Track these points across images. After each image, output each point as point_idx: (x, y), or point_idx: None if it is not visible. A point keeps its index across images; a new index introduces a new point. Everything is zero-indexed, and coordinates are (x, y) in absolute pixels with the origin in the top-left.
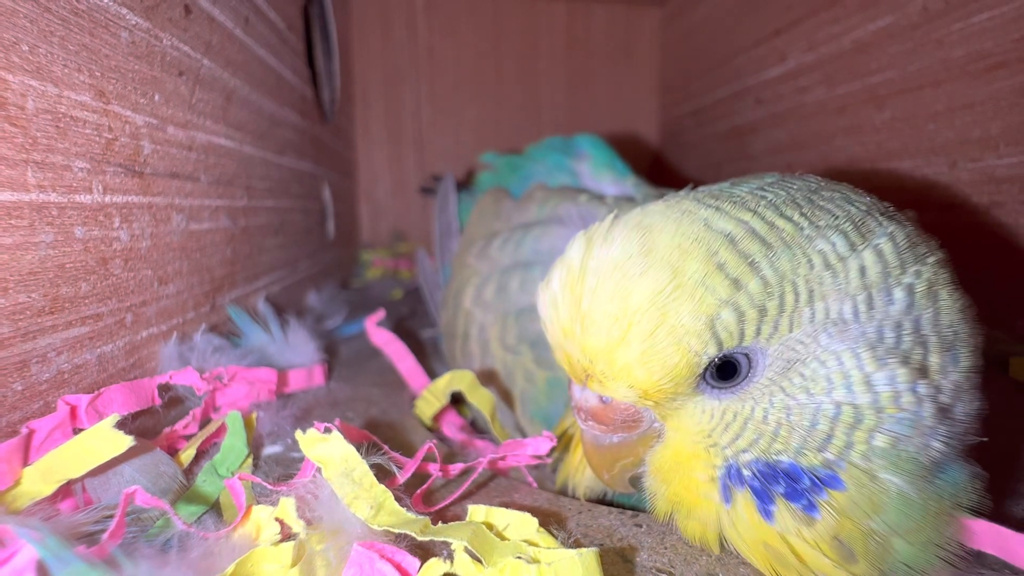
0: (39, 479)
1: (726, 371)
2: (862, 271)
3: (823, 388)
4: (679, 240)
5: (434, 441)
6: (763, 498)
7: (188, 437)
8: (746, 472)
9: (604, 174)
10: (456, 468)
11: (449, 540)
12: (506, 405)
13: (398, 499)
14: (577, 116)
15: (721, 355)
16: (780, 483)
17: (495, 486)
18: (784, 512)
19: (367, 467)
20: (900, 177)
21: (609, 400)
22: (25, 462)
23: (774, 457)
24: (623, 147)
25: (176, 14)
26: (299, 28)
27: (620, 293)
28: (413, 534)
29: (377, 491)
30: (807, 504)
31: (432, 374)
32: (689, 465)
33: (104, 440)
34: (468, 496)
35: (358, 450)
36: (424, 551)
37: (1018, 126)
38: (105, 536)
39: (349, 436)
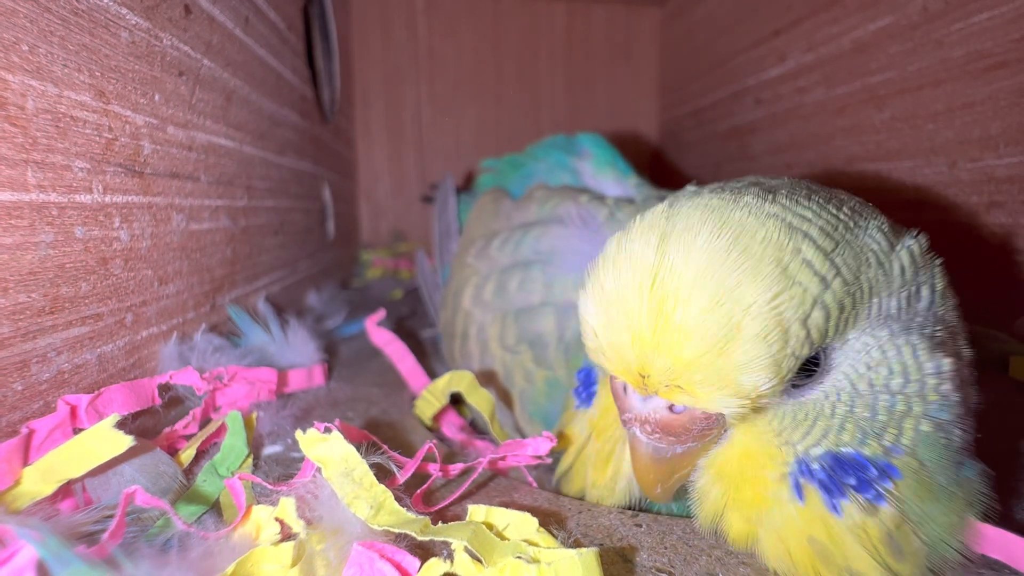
0: (39, 479)
1: (806, 370)
2: (902, 270)
3: (883, 378)
4: (772, 235)
5: (434, 441)
6: (833, 492)
7: (188, 437)
8: (815, 466)
9: (606, 173)
10: (456, 468)
11: (449, 540)
12: (505, 406)
13: (398, 499)
14: (577, 116)
15: (814, 351)
16: (850, 475)
17: (495, 486)
18: (853, 504)
19: (367, 467)
20: (900, 177)
21: (683, 410)
22: (25, 462)
23: (841, 449)
24: (623, 147)
25: (176, 14)
26: (299, 28)
27: (726, 295)
28: (413, 534)
29: (377, 491)
30: (875, 495)
31: (432, 374)
32: (758, 464)
33: (104, 440)
34: (468, 496)
35: (358, 450)
36: (424, 551)
37: (1018, 126)
38: (105, 536)
39: (349, 436)
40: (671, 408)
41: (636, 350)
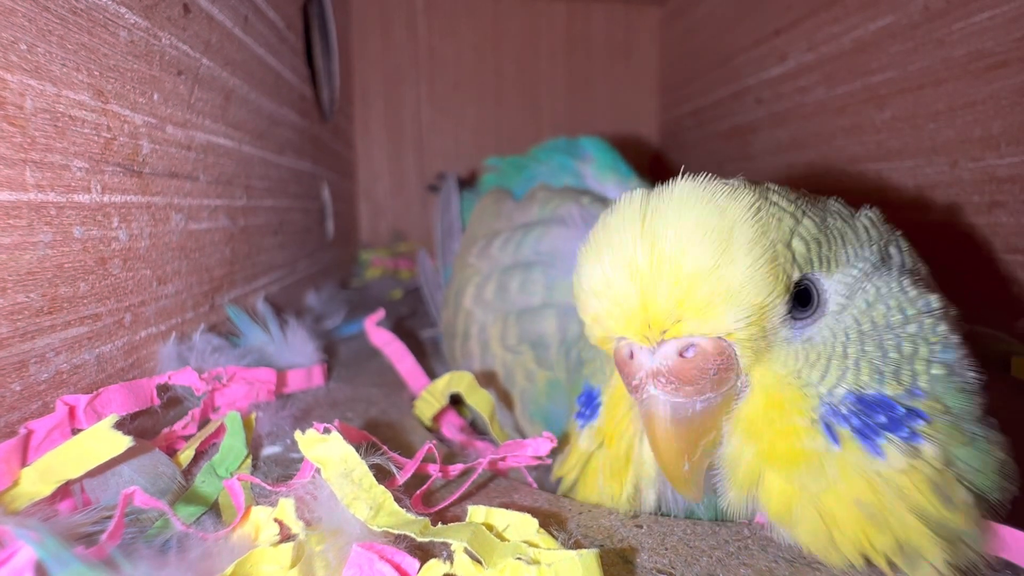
0: (37, 480)
1: (802, 300)
2: (866, 229)
3: (883, 315)
4: (743, 186)
5: (433, 442)
6: (868, 433)
7: (187, 438)
8: (843, 409)
9: (607, 176)
10: (456, 469)
11: (449, 541)
12: (505, 406)
13: (397, 499)
14: (577, 116)
15: (801, 277)
16: (878, 413)
17: (495, 487)
18: (892, 445)
19: (366, 468)
20: (901, 177)
21: (694, 352)
22: (23, 462)
23: (863, 390)
24: (623, 147)
25: (175, 13)
26: (298, 27)
27: (712, 215)
28: (412, 535)
29: (376, 492)
30: (909, 433)
31: (432, 374)
32: (785, 411)
33: (102, 441)
34: (468, 497)
35: (357, 451)
36: (424, 552)
37: (1019, 125)
38: (104, 537)
39: (348, 436)
40: (682, 354)
41: (637, 287)
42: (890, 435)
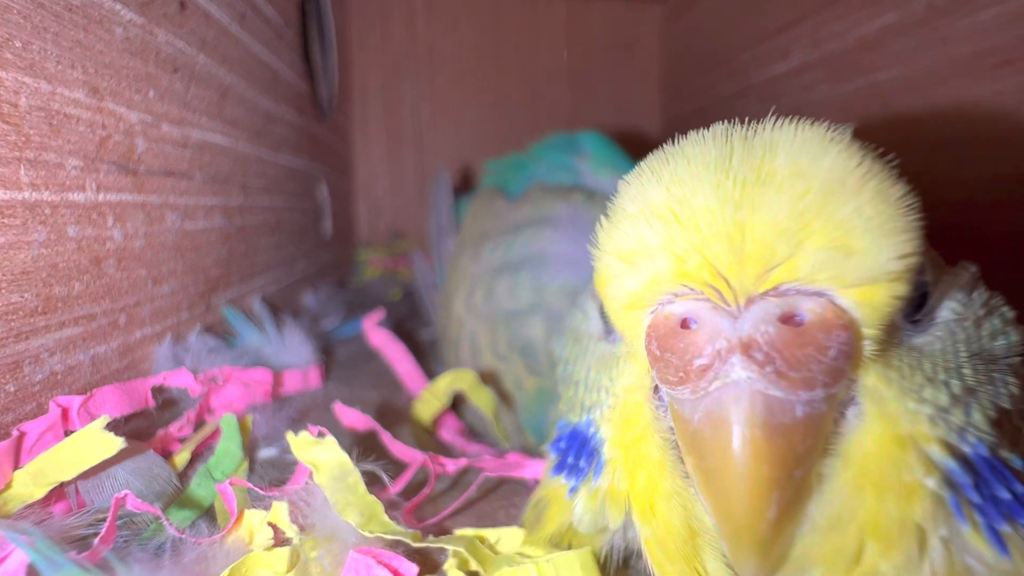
0: (30, 482)
1: (915, 301)
2: None
3: (989, 336)
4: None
5: (429, 454)
6: (990, 514)
7: (182, 440)
8: (971, 468)
9: (604, 172)
10: (454, 467)
11: (446, 546)
12: (507, 406)
13: (394, 506)
14: (578, 113)
15: (920, 262)
16: (1000, 487)
17: (495, 492)
18: (1017, 539)
19: (359, 475)
20: (905, 176)
21: (809, 317)
22: (16, 464)
23: (983, 440)
24: (625, 144)
25: (171, 10)
26: (296, 24)
27: (840, 148)
28: (408, 540)
29: (368, 501)
30: None
31: (431, 376)
32: (908, 453)
33: (95, 442)
34: (468, 506)
35: (351, 454)
36: (422, 556)
37: None
38: (97, 540)
39: (352, 421)
40: (788, 318)
41: (728, 195)
42: (1017, 523)
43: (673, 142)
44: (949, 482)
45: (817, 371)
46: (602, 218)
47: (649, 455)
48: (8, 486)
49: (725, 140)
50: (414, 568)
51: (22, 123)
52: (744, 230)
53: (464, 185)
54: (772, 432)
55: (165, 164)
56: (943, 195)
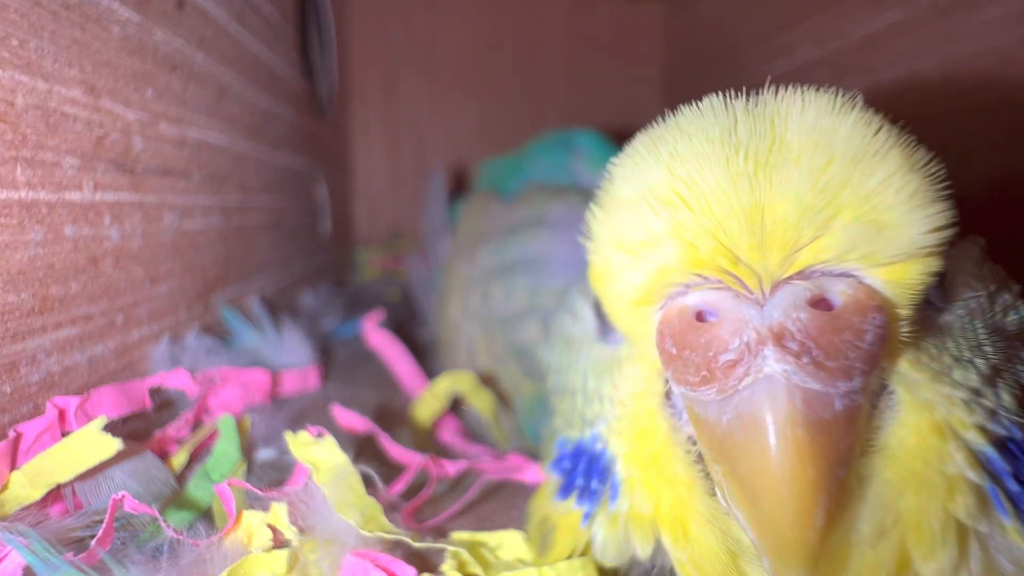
0: (27, 483)
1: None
2: None
3: (1002, 310)
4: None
5: (429, 456)
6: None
7: (180, 441)
8: (1008, 463)
9: (601, 173)
10: (453, 469)
11: (445, 547)
12: (506, 408)
13: (393, 508)
14: (579, 111)
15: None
16: None
17: (495, 494)
18: None
19: (359, 476)
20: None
21: (842, 300)
22: (13, 466)
23: (1016, 425)
24: (625, 142)
25: (169, 8)
26: (295, 21)
27: (856, 117)
28: (409, 540)
29: (367, 502)
30: None
31: (431, 377)
32: (947, 444)
33: (93, 444)
34: (468, 508)
35: (349, 456)
36: (421, 559)
37: None
38: (94, 542)
39: (351, 423)
40: (818, 302)
41: (735, 191)
42: None
43: (663, 119)
44: (989, 471)
45: (855, 358)
46: (593, 207)
47: (673, 472)
48: (5, 488)
49: (727, 112)
50: (412, 571)
51: (19, 122)
52: (763, 210)
53: (460, 186)
54: (814, 430)
55: (163, 163)
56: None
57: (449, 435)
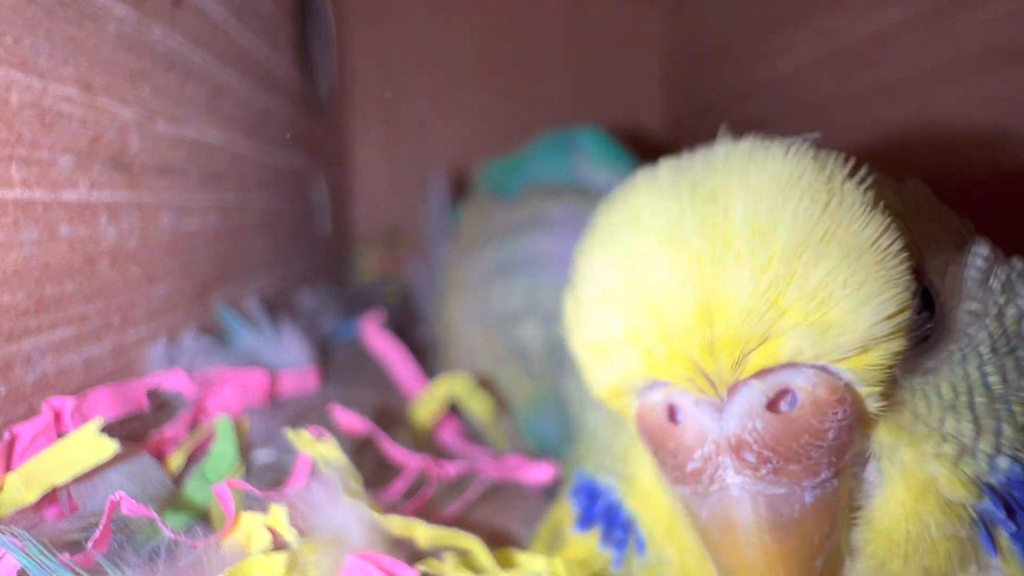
0: (22, 485)
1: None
2: (929, 202)
3: (1015, 320)
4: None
5: (428, 457)
6: None
7: (177, 442)
8: (1006, 497)
9: (602, 170)
10: (453, 470)
11: (451, 547)
12: (506, 411)
13: (393, 509)
14: (580, 108)
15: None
16: None
17: (495, 495)
18: None
19: (358, 476)
20: (913, 173)
21: (800, 400)
22: (8, 468)
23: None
24: (627, 141)
25: (166, 5)
26: (294, 19)
27: (801, 165)
28: (415, 537)
29: (367, 503)
30: None
31: (431, 378)
32: (940, 507)
33: (89, 445)
34: (467, 510)
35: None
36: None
37: None
38: (90, 544)
39: (350, 424)
40: (773, 407)
41: (690, 278)
42: None
43: (625, 193)
44: (982, 518)
45: (818, 457)
46: (566, 297)
47: (688, 543)
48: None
49: (675, 196)
50: (414, 573)
51: (13, 120)
52: (710, 313)
53: (460, 186)
54: (782, 532)
55: (160, 162)
56: (949, 192)
57: (449, 436)
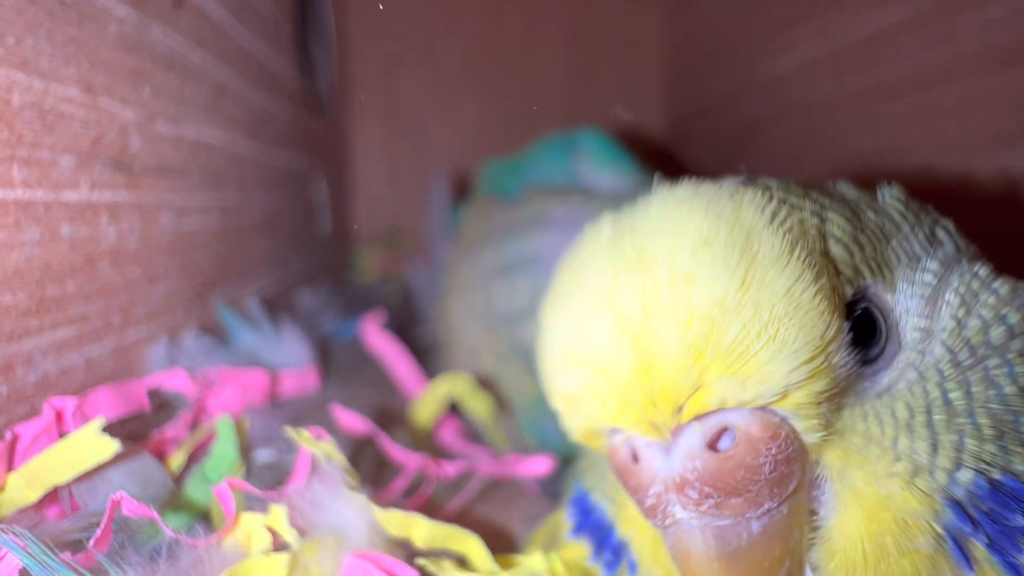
0: (24, 485)
1: (864, 331)
2: (900, 211)
3: (979, 331)
4: (740, 189)
5: (428, 458)
6: (1007, 548)
7: (178, 442)
8: (972, 508)
9: (603, 171)
10: (453, 470)
11: (451, 549)
12: (506, 411)
13: (394, 507)
14: (580, 109)
15: (854, 294)
16: (1016, 512)
17: (495, 495)
18: None
19: (357, 476)
20: (912, 173)
21: (733, 440)
22: (10, 467)
23: (991, 471)
24: (627, 142)
25: (166, 5)
26: (294, 19)
27: (718, 218)
28: (415, 533)
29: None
30: None
31: (431, 378)
32: (898, 523)
33: (90, 445)
34: (467, 510)
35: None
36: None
37: None
38: (91, 543)
39: (350, 423)
40: (714, 446)
41: (628, 341)
42: None
43: (576, 250)
44: (949, 532)
45: (758, 489)
46: (537, 351)
47: (672, 567)
48: (1, 490)
49: (611, 255)
50: (414, 572)
51: (15, 121)
52: (649, 368)
53: (460, 186)
54: (731, 560)
55: (160, 162)
56: (948, 192)
57: (448, 436)
